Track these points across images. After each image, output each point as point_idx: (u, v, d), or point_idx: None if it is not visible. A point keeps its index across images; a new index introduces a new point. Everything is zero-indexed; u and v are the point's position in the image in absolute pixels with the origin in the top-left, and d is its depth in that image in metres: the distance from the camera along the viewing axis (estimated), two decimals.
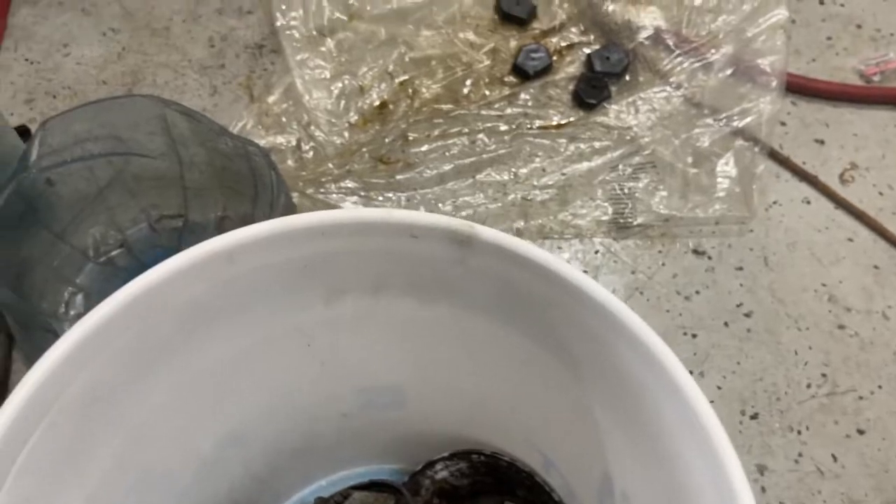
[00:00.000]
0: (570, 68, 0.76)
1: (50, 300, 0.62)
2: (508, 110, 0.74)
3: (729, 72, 0.74)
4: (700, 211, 0.69)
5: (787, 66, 0.75)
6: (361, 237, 0.34)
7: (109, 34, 0.76)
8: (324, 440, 0.49)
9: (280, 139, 0.71)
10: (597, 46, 0.77)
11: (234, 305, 0.36)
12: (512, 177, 0.71)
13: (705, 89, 0.74)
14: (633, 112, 0.74)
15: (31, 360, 0.30)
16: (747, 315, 0.66)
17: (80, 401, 0.32)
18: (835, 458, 0.60)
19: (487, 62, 0.76)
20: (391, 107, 0.73)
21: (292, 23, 0.76)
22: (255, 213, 0.60)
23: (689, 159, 0.71)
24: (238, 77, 0.75)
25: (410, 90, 0.74)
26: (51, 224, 0.61)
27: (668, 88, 0.75)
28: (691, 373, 0.62)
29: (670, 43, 0.77)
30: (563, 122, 0.74)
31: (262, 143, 0.70)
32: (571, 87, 0.75)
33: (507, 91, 0.74)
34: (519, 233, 0.68)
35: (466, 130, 0.72)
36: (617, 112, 0.74)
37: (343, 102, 0.73)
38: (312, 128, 0.71)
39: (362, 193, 0.68)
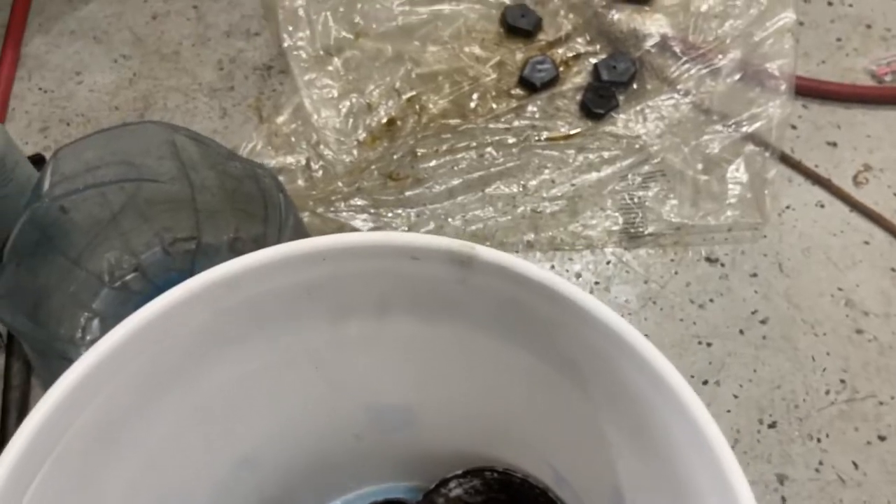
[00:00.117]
0: (577, 79, 0.76)
1: (67, 326, 0.63)
2: (516, 123, 0.74)
3: (737, 77, 0.74)
4: (712, 218, 0.69)
5: (796, 69, 0.75)
6: (363, 260, 0.34)
7: (121, 60, 0.78)
8: (337, 460, 0.49)
9: (290, 159, 0.72)
10: (603, 56, 0.77)
11: (241, 330, 0.36)
12: (521, 189, 0.71)
13: (714, 95, 0.74)
14: (641, 120, 0.74)
15: (48, 388, 0.30)
16: (763, 322, 0.65)
17: (90, 431, 0.32)
18: (856, 466, 0.59)
19: (494, 75, 0.76)
20: (399, 123, 0.74)
21: (299, 43, 0.77)
22: (267, 232, 0.61)
23: (700, 166, 0.71)
24: (247, 98, 0.76)
25: (418, 106, 0.74)
26: (66, 250, 0.62)
27: (676, 95, 0.74)
28: (706, 382, 0.62)
29: (677, 50, 0.76)
30: (571, 132, 0.73)
31: (272, 163, 0.71)
32: (579, 97, 0.75)
33: (514, 104, 0.75)
34: (530, 245, 0.68)
35: (474, 144, 0.72)
36: (625, 121, 0.74)
37: (351, 120, 0.74)
38: (321, 147, 0.72)
39: (372, 211, 0.69)
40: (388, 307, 0.38)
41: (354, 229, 0.68)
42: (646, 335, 0.63)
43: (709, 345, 0.64)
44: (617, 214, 0.69)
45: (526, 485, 0.46)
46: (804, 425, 0.61)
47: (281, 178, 0.70)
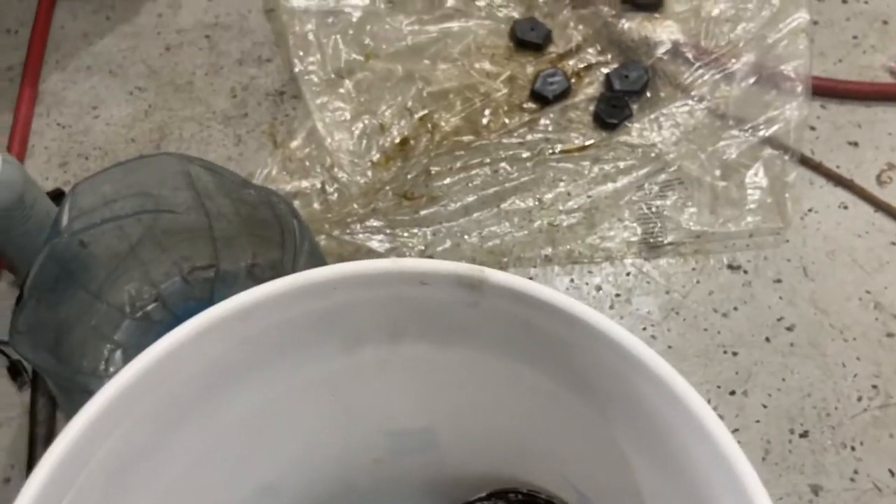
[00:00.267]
0: (590, 89, 0.76)
1: (90, 358, 0.63)
2: (529, 137, 0.73)
3: (752, 80, 0.73)
4: (732, 225, 0.68)
5: (812, 69, 0.74)
6: (373, 288, 0.34)
7: (136, 93, 0.79)
8: (359, 486, 0.49)
9: (305, 183, 0.72)
10: (615, 65, 0.77)
11: (255, 361, 0.36)
12: (537, 203, 0.70)
13: (729, 100, 0.73)
14: (656, 129, 0.73)
15: None
16: (789, 329, 0.64)
17: (109, 464, 0.32)
18: (892, 473, 0.57)
19: (505, 90, 0.76)
20: (412, 142, 0.74)
21: (310, 67, 0.77)
22: (284, 257, 0.61)
23: (717, 172, 0.70)
24: (261, 125, 0.76)
25: (430, 125, 0.74)
26: (87, 284, 0.63)
27: (690, 102, 0.74)
28: (734, 393, 0.61)
29: (689, 56, 0.76)
30: (585, 144, 0.73)
31: (287, 188, 0.71)
32: (592, 108, 0.75)
33: (526, 118, 0.74)
34: (548, 259, 0.68)
35: (488, 160, 0.72)
36: (640, 130, 0.73)
37: (364, 142, 0.74)
38: (336, 169, 0.72)
39: (388, 231, 0.69)
40: (402, 332, 0.37)
41: (371, 251, 0.68)
42: (669, 346, 0.63)
43: (734, 354, 0.63)
44: (635, 225, 0.69)
45: None
46: (837, 433, 0.59)
47: (297, 202, 0.70)
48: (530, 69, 0.77)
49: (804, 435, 0.59)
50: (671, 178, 0.70)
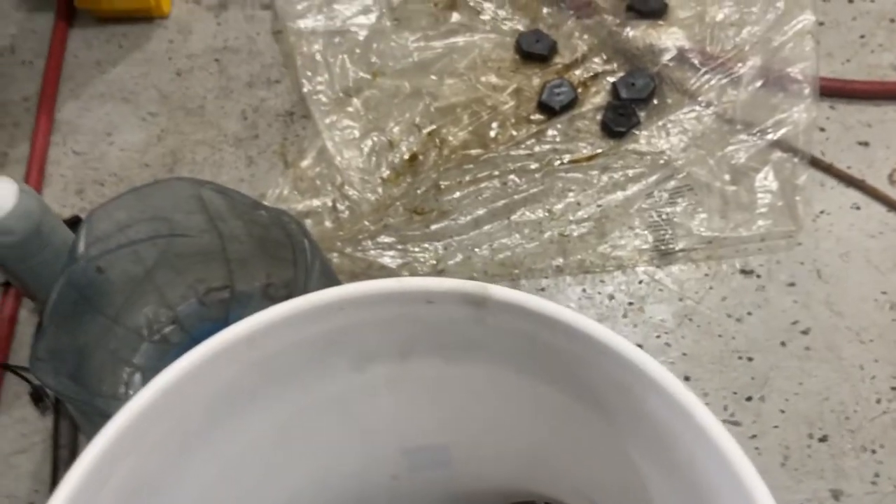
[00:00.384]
0: (596, 99, 0.76)
1: (109, 382, 0.64)
2: (537, 148, 0.74)
3: (759, 84, 0.73)
4: (743, 229, 0.67)
5: (819, 70, 0.73)
6: (379, 307, 0.34)
7: (148, 118, 0.80)
8: (376, 501, 0.49)
9: (316, 202, 0.72)
10: (621, 74, 0.77)
11: (266, 383, 0.37)
12: (547, 214, 0.70)
13: (736, 104, 0.73)
14: (664, 135, 0.73)
15: None
16: (804, 332, 0.63)
17: (121, 495, 0.33)
18: None
19: (512, 103, 0.76)
20: (421, 158, 0.74)
21: (318, 87, 0.78)
22: (297, 276, 0.62)
23: (727, 177, 0.70)
24: (272, 146, 0.77)
25: (438, 140, 0.75)
26: (105, 309, 0.64)
27: (697, 108, 0.74)
28: (750, 398, 0.61)
29: (695, 61, 0.76)
30: (593, 153, 0.73)
31: (299, 207, 0.72)
32: (599, 117, 0.75)
33: (534, 129, 0.75)
34: (559, 270, 0.68)
35: (497, 173, 0.73)
36: (648, 137, 0.73)
37: (374, 159, 0.75)
38: (346, 187, 0.73)
39: (399, 247, 0.69)
40: (411, 350, 0.38)
41: (383, 267, 0.68)
42: (684, 353, 0.63)
43: (750, 359, 0.62)
44: (646, 232, 0.69)
45: None
46: (856, 437, 0.59)
47: (308, 221, 0.71)
48: (536, 81, 0.78)
49: (823, 439, 0.59)
50: (681, 185, 0.70)
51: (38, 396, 0.64)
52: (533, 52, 0.79)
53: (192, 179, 0.61)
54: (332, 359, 0.37)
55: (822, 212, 0.69)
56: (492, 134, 0.75)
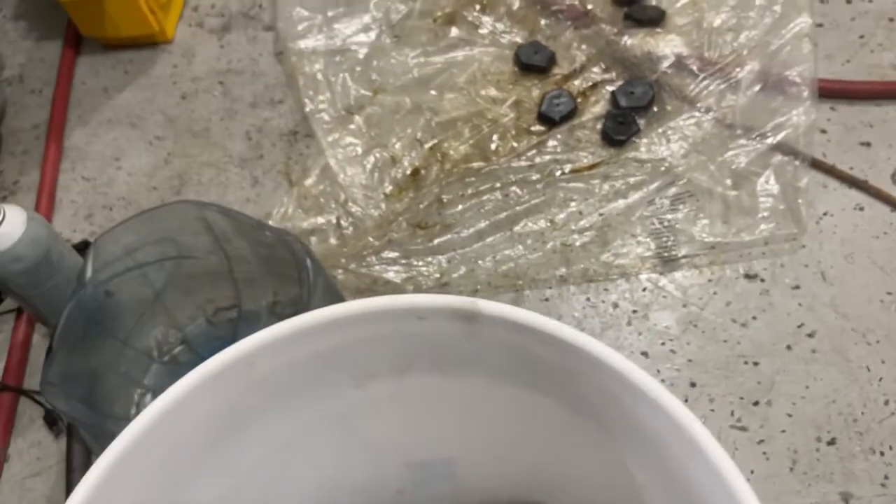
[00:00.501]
0: (596, 108, 0.77)
1: (121, 404, 0.65)
2: (538, 159, 0.74)
3: (757, 88, 0.73)
4: (746, 234, 0.67)
5: (820, 71, 0.73)
6: (372, 325, 0.35)
7: (155, 142, 0.81)
8: None
9: (321, 219, 0.73)
10: (620, 82, 0.77)
11: (266, 403, 0.37)
12: (549, 224, 0.71)
13: (736, 109, 0.73)
14: (664, 142, 0.73)
15: None
16: (810, 335, 0.63)
17: None
18: None
19: (512, 115, 0.77)
20: (423, 172, 0.75)
21: (321, 106, 0.79)
22: (303, 293, 0.62)
23: (728, 182, 0.70)
24: (276, 165, 0.78)
25: (440, 154, 0.76)
26: (115, 332, 0.65)
27: (697, 113, 0.74)
28: (757, 403, 0.61)
29: (694, 67, 0.76)
30: (594, 162, 0.73)
31: (304, 225, 0.73)
32: (599, 126, 0.75)
33: (534, 140, 0.75)
34: (563, 280, 0.68)
35: (498, 185, 0.73)
36: (648, 145, 0.73)
37: (377, 175, 0.75)
38: (350, 204, 0.73)
39: (403, 261, 0.70)
40: (408, 366, 0.38)
41: (388, 282, 0.69)
42: (689, 360, 0.63)
43: (756, 364, 0.62)
44: (648, 240, 0.69)
45: None
46: (865, 439, 0.58)
47: (313, 238, 0.72)
48: (536, 92, 0.78)
49: (832, 442, 0.59)
50: (681, 191, 0.70)
51: (51, 420, 0.65)
52: (532, 63, 0.79)
53: (197, 202, 0.62)
54: (331, 376, 0.38)
55: (825, 214, 0.69)
56: (493, 146, 0.75)
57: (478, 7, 0.84)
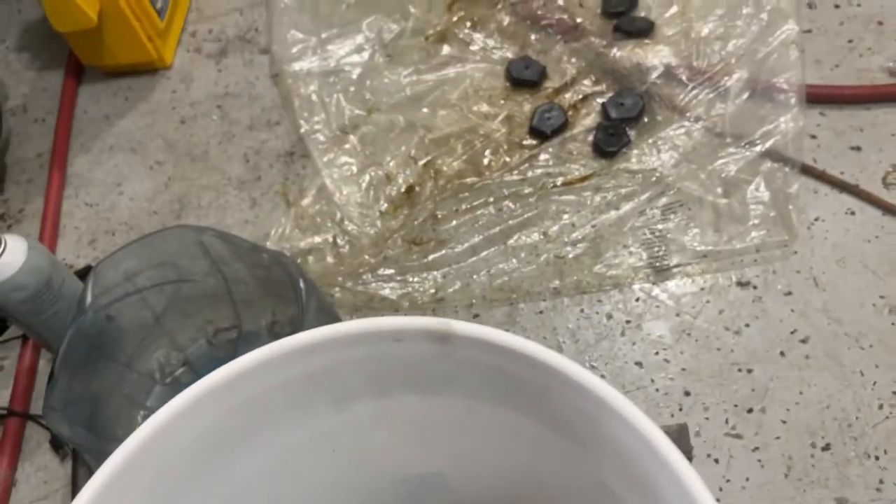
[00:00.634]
0: (587, 120, 0.77)
1: (124, 426, 0.67)
2: (530, 173, 0.75)
3: (746, 96, 0.74)
4: (737, 242, 0.68)
5: (808, 77, 0.74)
6: (351, 348, 0.36)
7: (155, 167, 0.83)
8: None
9: (317, 239, 0.74)
10: (610, 94, 0.78)
11: (249, 426, 0.38)
12: (542, 237, 0.72)
13: (725, 117, 0.74)
14: (655, 153, 0.74)
15: None
16: (803, 341, 0.63)
17: None
18: None
19: (504, 129, 0.78)
20: (418, 189, 0.76)
21: (316, 126, 0.81)
22: (300, 313, 0.63)
23: (719, 190, 0.70)
24: (274, 186, 0.80)
25: (433, 170, 0.77)
26: (117, 355, 0.66)
27: (686, 123, 0.74)
28: (751, 410, 0.61)
29: (683, 77, 0.77)
30: (586, 174, 0.74)
31: (301, 244, 0.74)
32: (590, 138, 0.76)
33: (526, 154, 0.76)
34: (556, 292, 0.69)
35: (492, 199, 0.74)
36: (638, 155, 0.74)
37: (372, 193, 0.76)
38: (346, 222, 0.75)
39: (399, 278, 0.71)
40: (389, 387, 0.39)
41: (384, 299, 0.70)
42: (683, 369, 0.63)
43: (749, 371, 0.63)
44: (640, 250, 0.69)
45: None
46: (860, 444, 0.58)
47: (311, 258, 0.73)
48: (527, 106, 0.79)
49: (826, 448, 0.59)
50: (672, 201, 0.71)
51: (57, 444, 0.67)
52: (523, 78, 0.80)
53: (194, 226, 0.64)
54: (313, 399, 0.39)
55: (816, 219, 0.69)
56: (485, 161, 0.76)
57: (469, 24, 0.85)
